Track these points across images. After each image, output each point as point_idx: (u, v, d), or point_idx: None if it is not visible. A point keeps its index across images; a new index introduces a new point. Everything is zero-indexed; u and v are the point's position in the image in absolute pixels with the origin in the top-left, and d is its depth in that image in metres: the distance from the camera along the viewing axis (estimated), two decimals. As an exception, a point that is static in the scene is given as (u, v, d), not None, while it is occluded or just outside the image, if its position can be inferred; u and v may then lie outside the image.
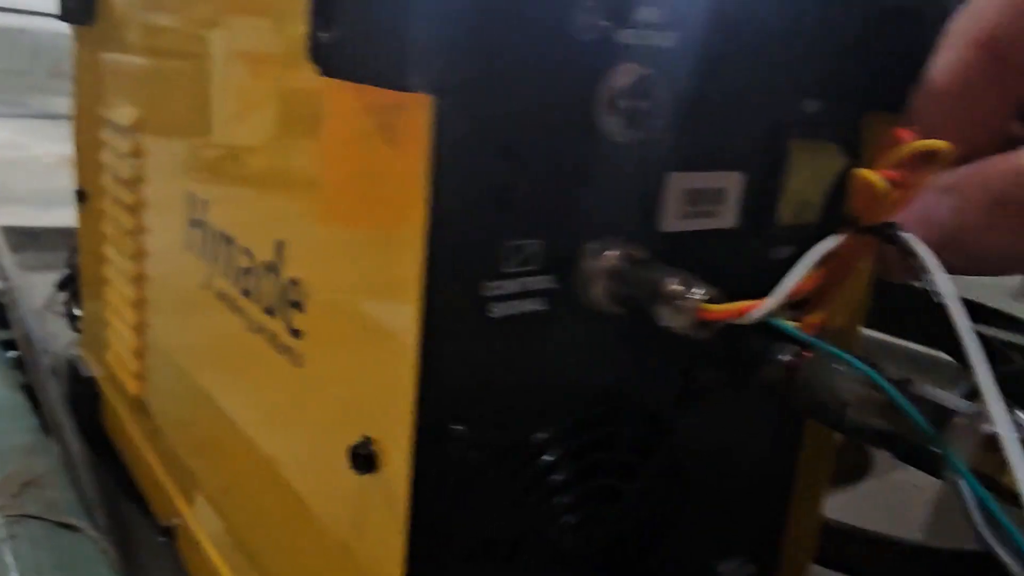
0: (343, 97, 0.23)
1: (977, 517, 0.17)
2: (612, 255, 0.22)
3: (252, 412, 0.32)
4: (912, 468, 0.19)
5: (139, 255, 0.42)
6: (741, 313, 0.19)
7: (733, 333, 0.20)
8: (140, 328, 0.43)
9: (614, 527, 0.25)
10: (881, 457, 0.52)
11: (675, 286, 0.20)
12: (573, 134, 0.21)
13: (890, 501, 0.48)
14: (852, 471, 0.50)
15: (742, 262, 0.25)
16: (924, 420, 0.17)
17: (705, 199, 0.24)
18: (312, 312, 0.26)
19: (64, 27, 0.49)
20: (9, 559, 0.36)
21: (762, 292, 0.20)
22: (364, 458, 0.23)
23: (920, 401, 0.19)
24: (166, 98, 0.38)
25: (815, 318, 0.20)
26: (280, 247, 0.27)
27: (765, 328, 0.20)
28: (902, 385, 0.19)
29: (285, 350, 0.27)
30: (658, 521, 0.27)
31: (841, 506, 0.43)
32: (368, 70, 0.19)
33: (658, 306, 0.20)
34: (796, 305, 0.21)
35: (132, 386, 0.44)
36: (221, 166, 0.33)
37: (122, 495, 0.45)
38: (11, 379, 0.54)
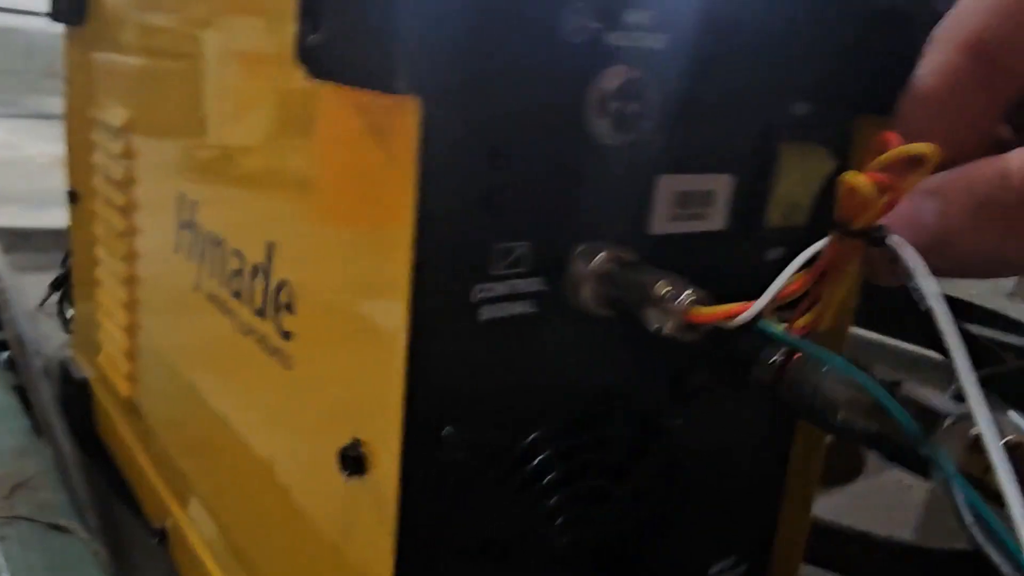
0: (332, 99, 0.23)
1: (967, 517, 0.17)
2: (601, 258, 0.22)
3: (243, 414, 0.32)
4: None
5: (130, 256, 0.42)
6: (729, 316, 0.19)
7: (723, 335, 0.20)
8: (132, 330, 0.43)
9: (605, 528, 0.25)
10: (873, 457, 0.52)
11: (663, 289, 0.20)
12: (562, 136, 0.21)
13: (881, 501, 0.48)
14: (845, 472, 0.50)
15: (732, 264, 0.25)
16: (912, 422, 0.17)
17: (695, 201, 0.24)
18: (302, 314, 0.26)
19: (58, 27, 0.49)
20: (0, 560, 0.36)
21: (752, 294, 0.20)
22: (353, 460, 0.23)
23: (909, 403, 0.19)
24: (156, 99, 0.37)
25: (804, 321, 0.20)
26: (270, 249, 0.27)
27: (754, 330, 0.20)
28: (891, 387, 0.19)
29: (275, 352, 0.27)
30: (650, 522, 0.27)
31: (833, 506, 0.43)
32: (356, 72, 0.19)
33: (647, 309, 0.20)
34: (789, 305, 0.21)
35: (124, 388, 0.44)
36: (211, 168, 0.33)
37: (114, 497, 0.45)
38: (3, 380, 0.54)
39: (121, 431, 0.46)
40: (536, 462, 0.23)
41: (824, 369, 0.20)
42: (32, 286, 0.68)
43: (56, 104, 0.51)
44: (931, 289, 0.17)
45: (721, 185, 0.24)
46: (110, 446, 0.48)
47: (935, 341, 0.18)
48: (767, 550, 0.32)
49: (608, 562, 0.26)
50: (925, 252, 0.18)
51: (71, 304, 0.58)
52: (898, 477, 0.49)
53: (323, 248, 0.25)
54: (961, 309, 0.70)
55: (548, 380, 0.23)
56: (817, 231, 0.21)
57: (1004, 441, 0.19)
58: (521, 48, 0.20)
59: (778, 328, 0.19)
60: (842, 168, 0.26)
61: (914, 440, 0.18)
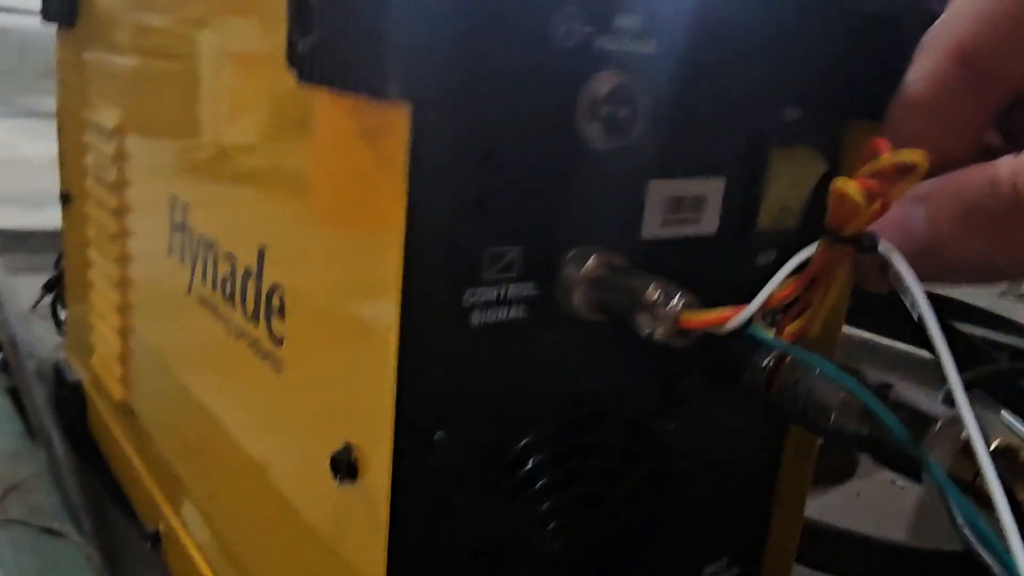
0: (323, 103, 0.23)
1: (959, 519, 0.17)
2: (592, 262, 0.22)
3: (236, 418, 0.32)
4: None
5: (123, 259, 0.41)
6: (719, 322, 0.19)
7: (714, 340, 0.20)
8: (125, 332, 0.43)
9: (598, 532, 0.26)
10: (865, 458, 0.52)
11: (654, 294, 0.20)
12: (553, 141, 0.21)
13: (874, 501, 0.48)
14: (838, 472, 0.50)
15: (723, 267, 0.26)
16: (901, 428, 0.18)
17: (686, 206, 0.24)
18: (294, 318, 0.26)
19: (52, 26, 0.48)
20: (-8, 565, 0.36)
21: (744, 297, 0.20)
22: (345, 466, 0.23)
23: (900, 407, 0.19)
24: (148, 101, 0.37)
25: (794, 326, 0.20)
26: (262, 253, 0.27)
27: (744, 336, 0.20)
28: (882, 391, 0.19)
29: (267, 356, 0.27)
30: (642, 525, 0.27)
31: (825, 507, 0.43)
32: (346, 78, 0.19)
33: (638, 314, 0.20)
34: (785, 308, 0.21)
35: (117, 391, 0.44)
36: (203, 170, 0.33)
37: (107, 500, 0.45)
38: (-4, 383, 0.53)
39: (115, 434, 0.46)
40: (528, 467, 0.23)
41: (815, 373, 0.20)
42: (26, 287, 0.68)
43: (51, 104, 0.50)
44: (921, 296, 0.17)
45: (712, 189, 0.24)
46: (104, 449, 0.48)
47: (927, 342, 0.18)
48: (760, 552, 0.32)
49: (600, 565, 0.26)
50: (914, 258, 0.18)
51: (64, 306, 0.58)
52: (891, 477, 0.49)
53: (315, 252, 0.24)
54: (953, 308, 0.70)
55: (540, 385, 0.23)
56: (808, 234, 0.21)
57: (994, 446, 0.19)
58: (511, 53, 0.20)
59: (768, 334, 0.20)
60: (833, 172, 0.26)
61: (904, 445, 0.18)
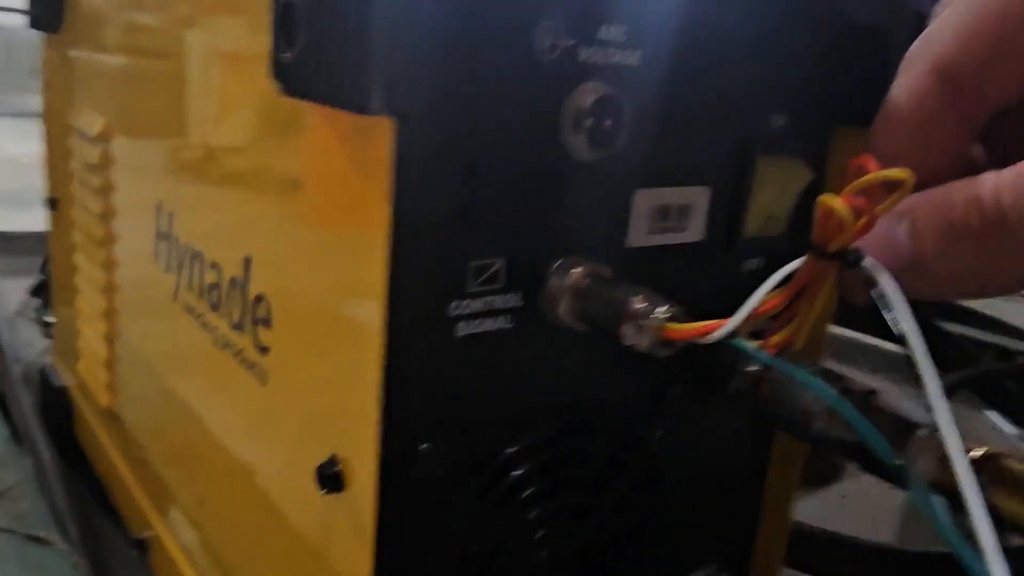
0: (308, 113, 0.23)
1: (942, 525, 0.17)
2: (577, 273, 0.22)
3: (223, 426, 0.32)
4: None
5: (109, 265, 0.41)
6: (703, 333, 0.19)
7: (699, 350, 0.20)
8: (111, 338, 0.42)
9: (586, 540, 0.26)
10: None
11: (639, 305, 0.20)
12: (538, 153, 0.21)
13: (862, 503, 0.48)
14: (825, 474, 0.50)
15: (709, 275, 0.26)
16: (881, 440, 0.18)
17: (672, 215, 0.24)
18: (279, 329, 0.26)
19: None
20: (-22, 574, 0.36)
21: (730, 304, 0.20)
22: (331, 477, 0.23)
23: (883, 414, 0.19)
24: (133, 107, 0.37)
25: (779, 338, 0.20)
26: (247, 262, 0.27)
27: (727, 348, 0.20)
28: (867, 398, 0.19)
29: (253, 366, 0.27)
30: (630, 532, 0.27)
31: (813, 509, 0.44)
32: (329, 91, 0.19)
33: (622, 325, 0.20)
34: (771, 318, 0.21)
35: (104, 397, 0.44)
36: (187, 179, 0.32)
37: (94, 507, 0.45)
38: (-18, 388, 0.53)
39: (101, 440, 0.46)
40: (515, 477, 0.23)
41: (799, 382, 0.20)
42: (13, 291, 0.67)
43: (38, 102, 0.50)
44: (904, 313, 0.17)
45: (698, 198, 0.24)
46: (91, 455, 0.48)
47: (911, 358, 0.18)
48: (747, 556, 0.32)
49: (588, 573, 0.26)
50: (899, 274, 0.18)
51: (50, 310, 0.57)
52: (879, 479, 0.49)
53: (300, 263, 0.24)
54: (939, 308, 0.70)
55: (526, 395, 0.23)
56: (794, 240, 0.21)
57: (980, 455, 0.20)
58: (495, 65, 0.19)
59: (751, 346, 0.20)
60: (819, 179, 0.27)
61: (885, 455, 0.18)
